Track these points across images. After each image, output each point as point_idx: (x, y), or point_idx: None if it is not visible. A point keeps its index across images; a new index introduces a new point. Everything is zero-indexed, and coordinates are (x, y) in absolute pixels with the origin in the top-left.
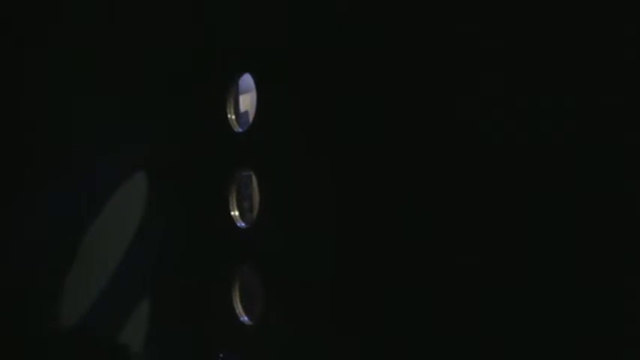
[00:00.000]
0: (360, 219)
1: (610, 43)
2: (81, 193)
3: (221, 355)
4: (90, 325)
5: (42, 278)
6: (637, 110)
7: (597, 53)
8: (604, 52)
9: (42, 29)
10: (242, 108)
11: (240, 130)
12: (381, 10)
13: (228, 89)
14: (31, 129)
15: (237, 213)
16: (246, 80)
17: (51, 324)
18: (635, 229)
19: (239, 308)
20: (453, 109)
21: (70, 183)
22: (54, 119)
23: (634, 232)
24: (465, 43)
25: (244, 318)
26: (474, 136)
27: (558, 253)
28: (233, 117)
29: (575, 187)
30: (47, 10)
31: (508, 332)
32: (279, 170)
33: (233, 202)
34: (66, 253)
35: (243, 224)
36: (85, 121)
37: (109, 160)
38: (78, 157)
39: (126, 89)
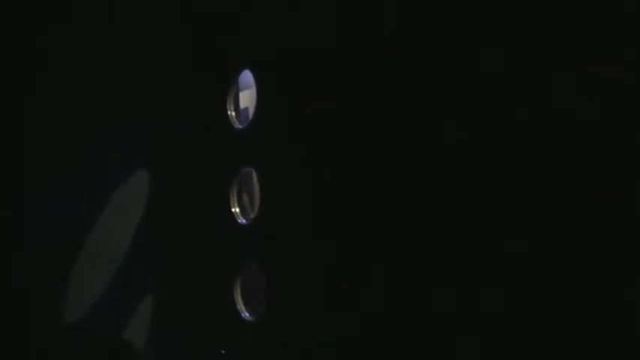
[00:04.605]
0: (361, 215)
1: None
2: (82, 192)
3: (222, 351)
4: (92, 320)
5: (43, 278)
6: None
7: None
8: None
9: (42, 29)
10: (242, 104)
11: (241, 126)
12: (381, 10)
13: (228, 86)
14: (31, 130)
15: (238, 210)
16: (246, 77)
17: (52, 323)
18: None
19: (240, 304)
20: (453, 110)
21: (71, 183)
22: (54, 120)
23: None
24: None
25: (245, 314)
26: (475, 136)
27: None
28: (233, 114)
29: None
30: (48, 10)
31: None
32: (279, 166)
33: (234, 198)
34: (67, 253)
35: (244, 221)
36: (86, 121)
37: (111, 159)
38: (79, 157)
39: (126, 89)
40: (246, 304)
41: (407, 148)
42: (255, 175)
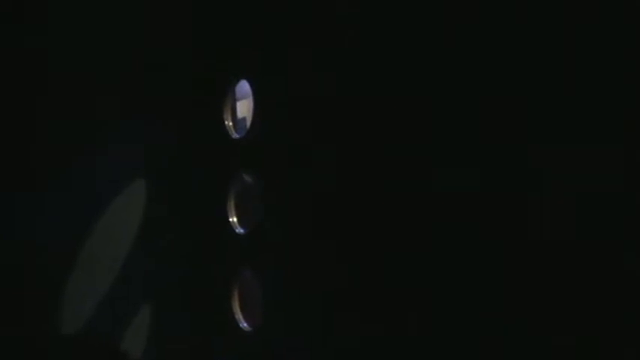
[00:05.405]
0: (362, 225)
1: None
2: (80, 197)
3: None
4: (88, 330)
5: (41, 280)
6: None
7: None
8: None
9: (42, 29)
10: (239, 114)
11: (238, 136)
12: (379, 14)
13: (225, 96)
14: (31, 129)
15: (235, 219)
16: (244, 87)
17: (50, 327)
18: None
19: (238, 314)
20: (454, 112)
21: (70, 185)
22: (54, 121)
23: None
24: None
25: (243, 324)
26: (474, 137)
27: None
28: (230, 123)
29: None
30: (48, 9)
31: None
32: (277, 176)
33: (231, 208)
34: (64, 257)
35: (241, 230)
36: (86, 125)
37: (110, 165)
38: (79, 159)
39: (123, 98)
40: (244, 314)
41: (411, 156)
42: (253, 185)
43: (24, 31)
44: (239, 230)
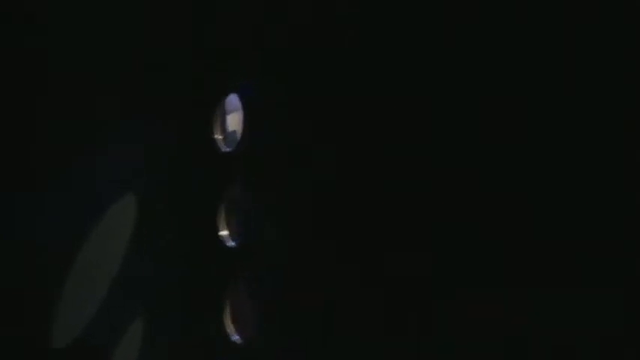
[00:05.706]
0: (353, 237)
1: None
2: (81, 195)
3: None
4: (85, 332)
5: (41, 280)
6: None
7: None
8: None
9: (42, 29)
10: (230, 128)
11: (228, 149)
12: (379, 14)
13: (214, 109)
14: (31, 129)
15: (226, 232)
16: (233, 100)
17: (49, 328)
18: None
19: (230, 327)
20: (454, 112)
21: (70, 185)
22: (53, 120)
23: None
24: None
25: (235, 337)
26: (474, 136)
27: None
28: (220, 137)
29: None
30: (48, 9)
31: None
32: (268, 189)
33: (222, 221)
34: (64, 258)
35: (232, 243)
36: (85, 123)
37: (110, 165)
38: (79, 159)
39: (126, 94)
40: (236, 327)
41: (411, 156)
42: (244, 198)
43: (24, 31)
44: (230, 244)
